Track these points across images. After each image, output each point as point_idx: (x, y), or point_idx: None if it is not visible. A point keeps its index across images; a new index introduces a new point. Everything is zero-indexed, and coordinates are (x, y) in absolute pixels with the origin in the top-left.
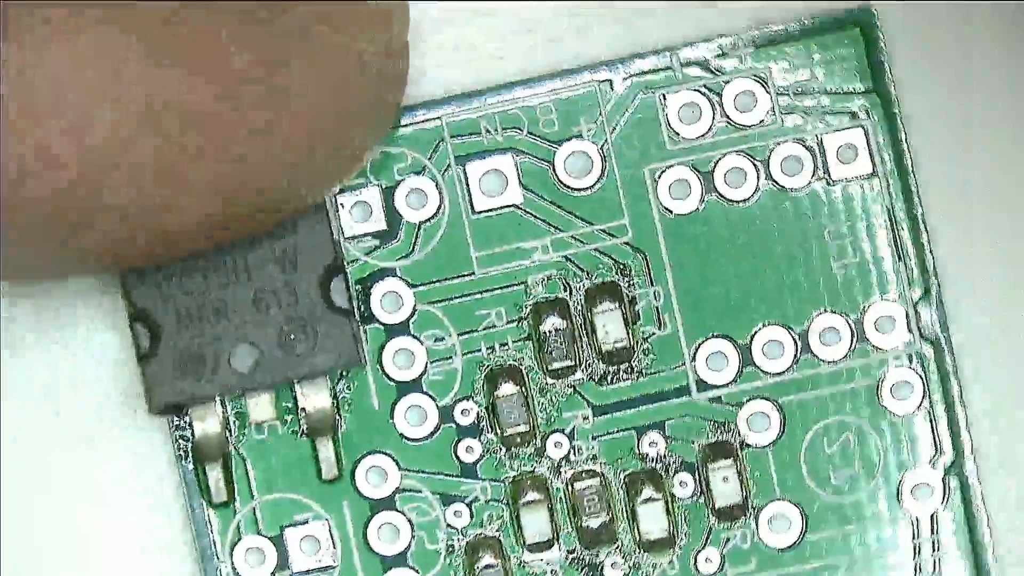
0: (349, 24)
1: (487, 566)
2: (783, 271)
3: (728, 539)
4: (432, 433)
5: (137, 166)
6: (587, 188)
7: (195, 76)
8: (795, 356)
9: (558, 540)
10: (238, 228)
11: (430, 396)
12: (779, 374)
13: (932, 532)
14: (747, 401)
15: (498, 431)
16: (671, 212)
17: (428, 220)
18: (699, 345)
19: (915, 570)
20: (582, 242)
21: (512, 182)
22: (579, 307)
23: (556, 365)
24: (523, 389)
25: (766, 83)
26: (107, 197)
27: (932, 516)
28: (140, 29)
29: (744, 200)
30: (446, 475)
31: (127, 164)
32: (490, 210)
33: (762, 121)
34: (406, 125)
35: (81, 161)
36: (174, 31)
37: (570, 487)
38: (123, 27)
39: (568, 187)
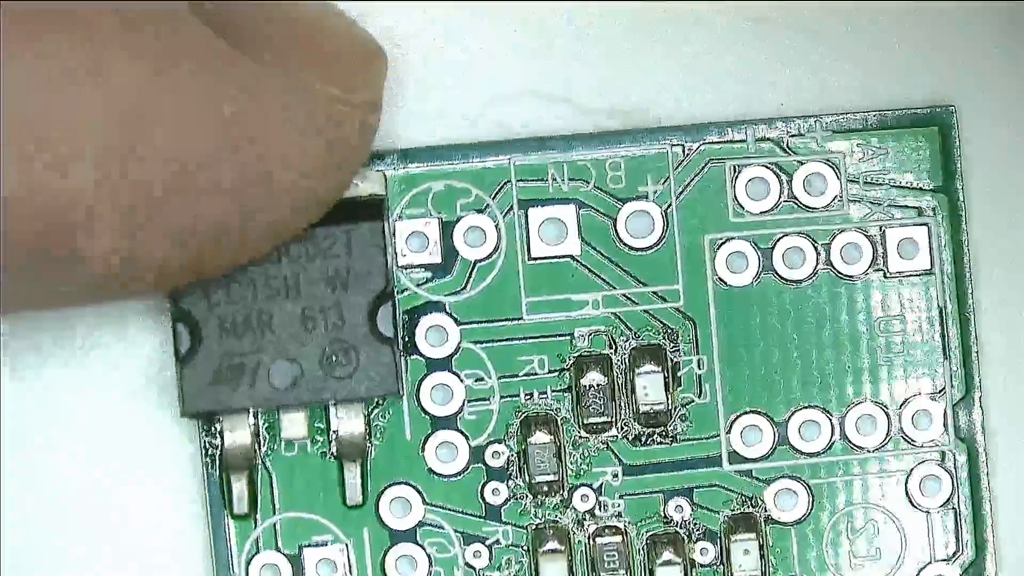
0: (334, 75)
1: None
2: (829, 355)
3: None
4: (462, 471)
5: (123, 207)
6: (645, 249)
7: (185, 121)
8: (830, 439)
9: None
10: (200, 267)
11: (463, 434)
12: (812, 455)
13: None
14: (777, 478)
15: (527, 477)
16: (725, 283)
17: (484, 259)
18: (736, 418)
19: None
20: (634, 301)
21: (572, 233)
22: (622, 365)
23: (592, 420)
24: (556, 439)
25: (838, 168)
26: (89, 236)
27: None
28: (140, 56)
29: (799, 281)
30: (470, 515)
31: (112, 204)
32: (546, 258)
33: (828, 206)
34: (475, 161)
35: (64, 199)
36: (168, 77)
37: (592, 541)
38: (118, 73)
39: (627, 245)
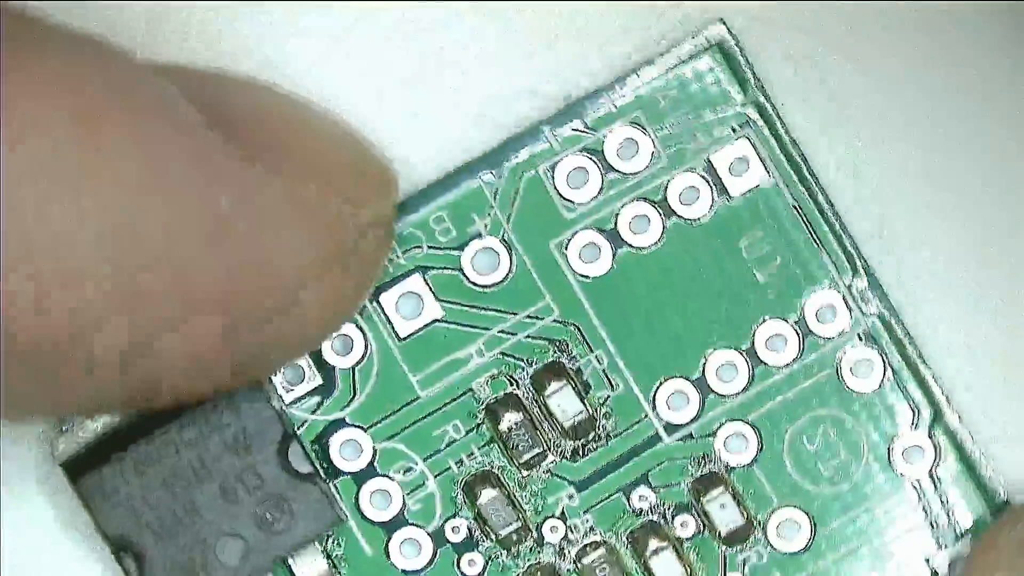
0: (354, 192)
1: None
2: (713, 297)
3: (745, 560)
4: (431, 560)
5: (128, 311)
6: (500, 281)
7: (178, 222)
8: (749, 372)
9: None
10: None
11: (417, 526)
12: (740, 393)
13: (935, 488)
14: (718, 429)
15: (493, 536)
16: (588, 277)
17: (359, 362)
18: (655, 392)
19: (931, 526)
20: (512, 333)
21: (428, 299)
22: (530, 395)
23: (526, 457)
24: (503, 490)
25: (642, 125)
26: (98, 344)
27: (931, 474)
28: (137, 150)
29: (654, 243)
30: None
31: (119, 310)
32: (415, 332)
33: (648, 164)
34: None
35: (73, 312)
36: (168, 160)
37: (578, 564)
38: (120, 145)
39: (482, 286)
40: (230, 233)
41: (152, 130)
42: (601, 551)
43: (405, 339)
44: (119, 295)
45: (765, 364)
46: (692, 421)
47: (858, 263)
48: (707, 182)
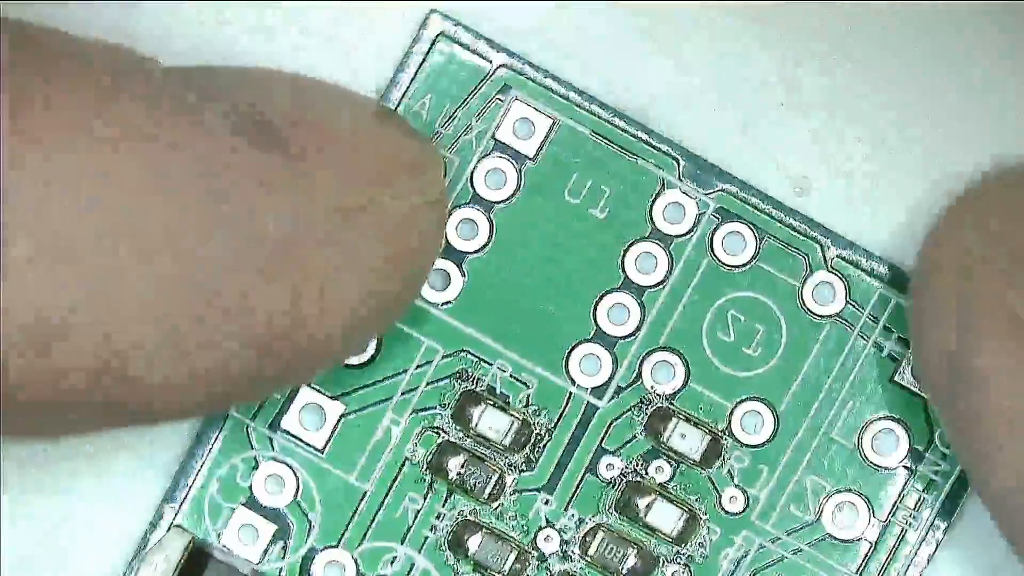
0: (407, 181)
1: None
2: (569, 254)
3: (730, 471)
4: None
5: (169, 332)
6: (375, 354)
7: (228, 246)
8: (638, 304)
9: None
10: (281, 381)
11: None
12: (638, 328)
13: (858, 310)
14: (640, 368)
15: (500, 574)
16: (448, 302)
17: (297, 492)
18: (566, 368)
19: (862, 337)
20: (413, 389)
21: (323, 402)
22: (460, 433)
23: (488, 489)
24: (484, 531)
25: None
26: (135, 366)
27: (848, 299)
28: (172, 193)
29: (483, 246)
30: None
31: (158, 332)
32: (330, 437)
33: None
34: None
35: (106, 335)
36: (207, 201)
37: (586, 557)
38: (154, 191)
39: (362, 365)
40: (286, 258)
41: (183, 172)
42: (600, 535)
43: (324, 448)
44: (161, 319)
45: (647, 288)
46: (612, 375)
47: (674, 154)
48: (504, 157)
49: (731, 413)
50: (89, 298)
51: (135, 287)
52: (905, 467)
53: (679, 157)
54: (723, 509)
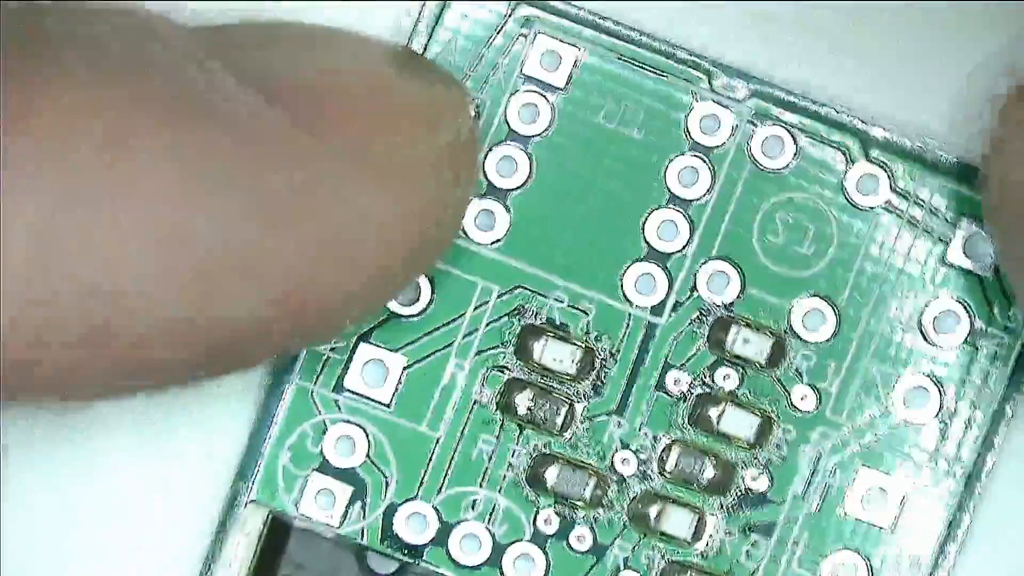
0: (422, 123)
1: None
2: (612, 176)
3: (797, 370)
4: (547, 562)
5: (176, 289)
6: (429, 303)
7: (233, 204)
8: (686, 218)
9: (703, 517)
10: (298, 338)
11: (515, 542)
12: (688, 242)
13: (908, 200)
14: (695, 281)
15: (581, 504)
16: (497, 240)
17: (370, 450)
18: (622, 290)
19: (926, 232)
20: (473, 331)
21: (385, 356)
22: (524, 369)
23: (559, 420)
24: (560, 461)
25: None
26: (143, 323)
27: (893, 189)
28: (174, 155)
29: (523, 183)
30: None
31: (164, 288)
32: (395, 391)
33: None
34: None
35: (113, 292)
36: (209, 158)
37: (665, 474)
38: (155, 154)
39: (416, 315)
40: (301, 215)
41: (190, 133)
42: (676, 450)
43: (391, 403)
44: (181, 306)
45: (692, 201)
46: (669, 291)
47: (706, 66)
48: (535, 91)
49: (791, 313)
50: (91, 251)
51: (142, 242)
52: (969, 344)
53: (708, 68)
54: (795, 408)
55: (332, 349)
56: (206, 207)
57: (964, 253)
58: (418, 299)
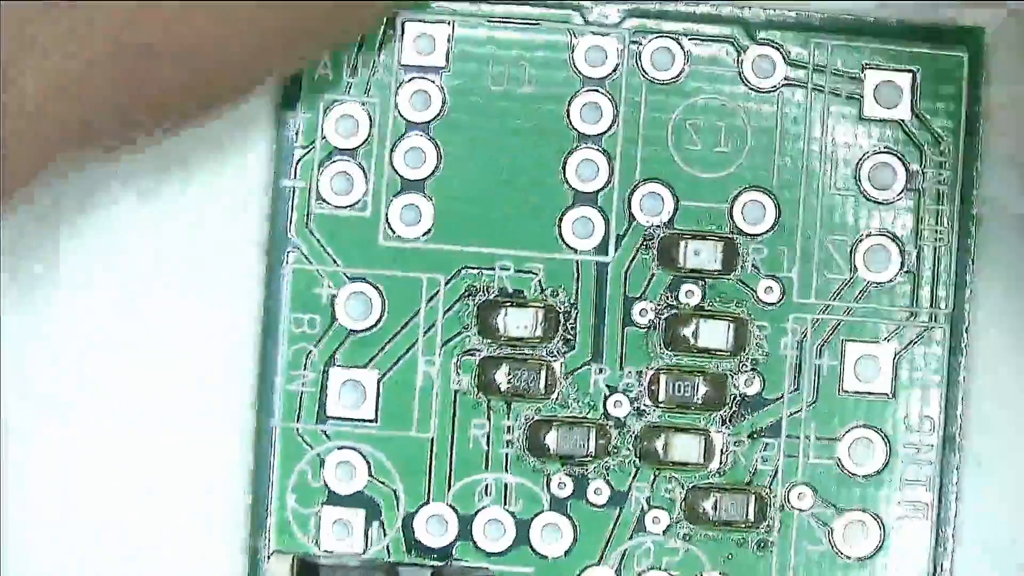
0: None
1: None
2: (518, 133)
3: (754, 265)
4: (574, 527)
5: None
6: (379, 318)
7: None
8: (598, 146)
9: (709, 436)
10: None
11: (538, 514)
12: (607, 180)
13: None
14: (628, 203)
15: (588, 458)
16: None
17: (368, 483)
18: (560, 237)
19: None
20: (431, 327)
21: (364, 388)
22: (493, 346)
23: (542, 384)
24: (555, 424)
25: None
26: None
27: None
28: None
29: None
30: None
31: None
32: (377, 411)
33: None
34: None
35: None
36: None
37: (658, 404)
38: None
39: (364, 329)
40: None
41: None
42: (663, 379)
43: (376, 418)
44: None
45: (602, 135)
46: (607, 227)
47: (574, 2)
48: (421, 77)
49: (731, 212)
50: None
51: None
52: (911, 189)
53: (577, 3)
54: (763, 303)
55: (303, 384)
56: None
57: (878, 103)
58: (371, 311)
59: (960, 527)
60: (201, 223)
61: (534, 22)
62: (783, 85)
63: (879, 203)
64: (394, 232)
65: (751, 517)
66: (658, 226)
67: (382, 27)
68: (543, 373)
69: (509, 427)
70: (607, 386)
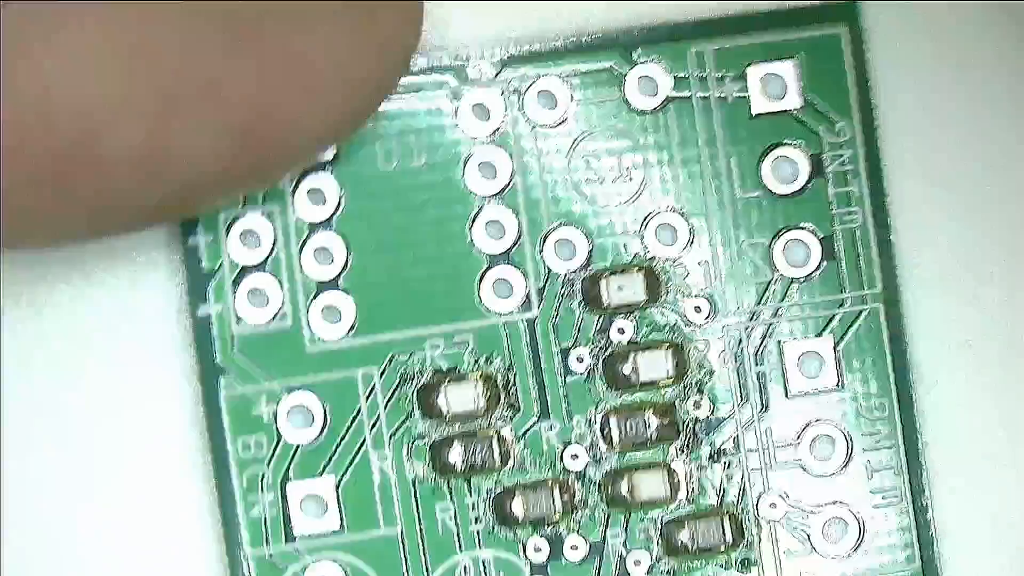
0: None
1: None
2: (417, 208)
3: (678, 289)
4: None
5: (140, 113)
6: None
7: (200, 24)
8: (501, 202)
9: (670, 468)
10: (255, 173)
11: None
12: (516, 236)
13: None
14: (541, 252)
15: (556, 517)
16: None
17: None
18: (481, 302)
19: None
20: (374, 424)
21: (326, 501)
22: (440, 427)
23: (497, 455)
24: (518, 491)
25: None
26: (107, 147)
27: None
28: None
29: None
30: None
31: (129, 111)
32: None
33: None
34: None
35: (76, 110)
36: None
37: (614, 448)
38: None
39: (302, 443)
40: (264, 39)
41: None
42: (613, 420)
43: (343, 525)
44: (146, 122)
45: (502, 191)
46: (525, 282)
47: (447, 63)
48: (312, 174)
49: (643, 238)
50: (60, 67)
51: (109, 60)
52: (817, 176)
53: (450, 65)
54: (694, 323)
55: (263, 507)
56: (173, 27)
57: (766, 98)
58: (313, 420)
59: (940, 506)
60: (127, 363)
61: (414, 90)
62: (669, 101)
63: (787, 197)
64: (318, 336)
65: (729, 538)
66: (576, 270)
67: None
68: (495, 443)
69: (473, 504)
70: (560, 441)
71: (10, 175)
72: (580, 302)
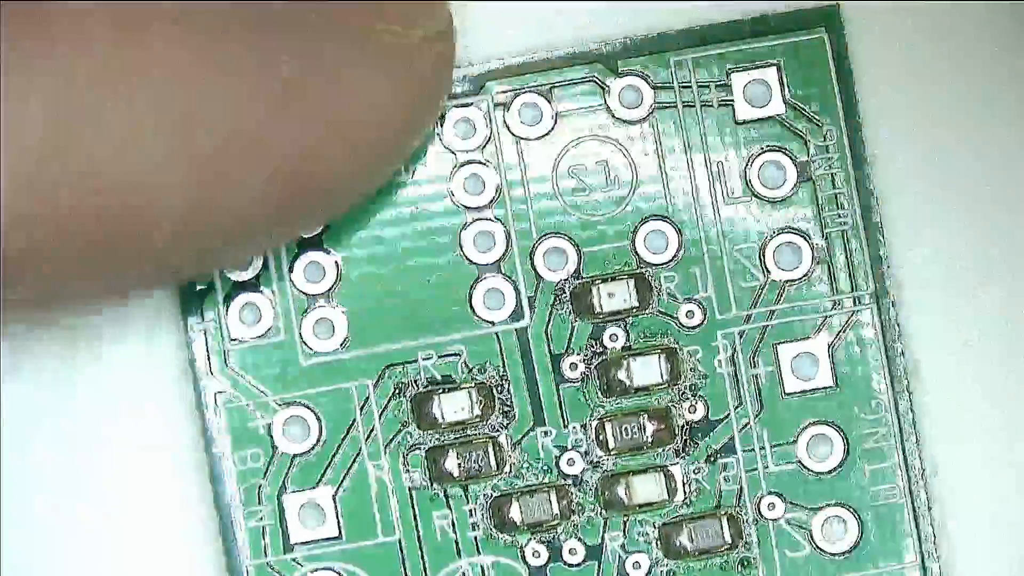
0: (403, 16)
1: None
2: (408, 221)
3: (669, 294)
4: None
5: (185, 180)
6: (315, 442)
7: (239, 93)
8: (492, 217)
9: (667, 470)
10: (296, 224)
11: None
12: (505, 247)
13: None
14: (532, 262)
15: (555, 521)
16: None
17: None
18: (474, 313)
19: None
20: (369, 431)
21: (324, 513)
22: (436, 436)
23: (493, 462)
24: (515, 496)
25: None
26: (152, 215)
27: None
28: (186, 39)
29: None
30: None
31: (174, 179)
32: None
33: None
34: None
35: (122, 182)
36: (221, 42)
37: (610, 453)
38: (168, 38)
39: (300, 453)
40: (306, 95)
41: (200, 16)
42: (608, 426)
43: (341, 533)
44: (191, 188)
45: (490, 204)
46: (516, 292)
47: None
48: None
49: (634, 247)
50: (104, 132)
51: (154, 123)
52: (804, 181)
53: None
54: (687, 328)
55: (261, 518)
56: (217, 89)
57: (750, 104)
58: (308, 432)
59: (940, 506)
60: (122, 379)
61: None
62: (654, 110)
63: (776, 202)
64: (312, 349)
65: (728, 539)
66: (566, 279)
67: None
68: (491, 450)
69: (471, 510)
70: (556, 447)
71: (54, 250)
72: (571, 310)
